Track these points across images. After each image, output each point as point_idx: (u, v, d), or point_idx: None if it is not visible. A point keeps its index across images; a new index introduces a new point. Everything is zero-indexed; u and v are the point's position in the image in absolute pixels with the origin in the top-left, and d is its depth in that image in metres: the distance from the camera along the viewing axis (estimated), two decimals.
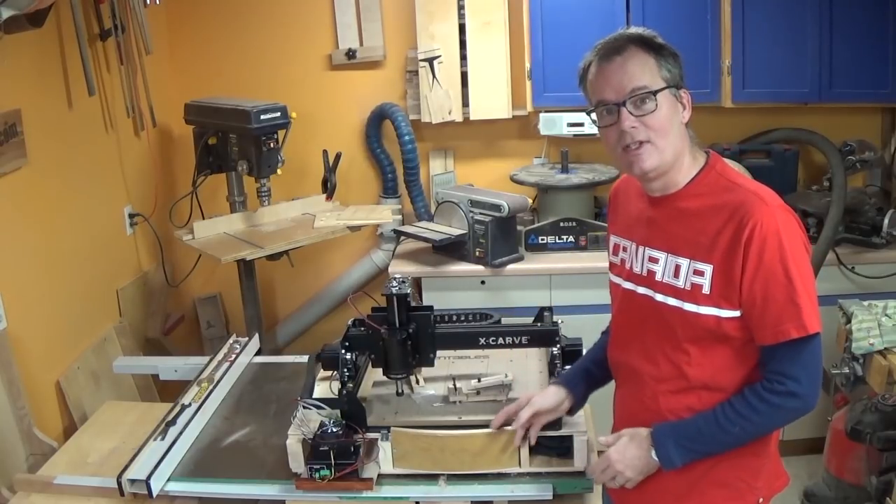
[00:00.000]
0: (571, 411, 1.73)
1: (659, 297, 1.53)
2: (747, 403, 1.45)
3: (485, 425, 1.74)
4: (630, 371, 1.62)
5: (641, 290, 1.57)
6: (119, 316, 2.90)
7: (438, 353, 1.85)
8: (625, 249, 1.64)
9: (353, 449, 1.71)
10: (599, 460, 1.59)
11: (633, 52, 1.46)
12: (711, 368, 1.49)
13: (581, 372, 1.76)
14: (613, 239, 1.69)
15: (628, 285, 1.61)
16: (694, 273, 1.48)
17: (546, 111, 3.29)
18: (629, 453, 1.53)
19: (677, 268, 1.50)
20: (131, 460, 1.85)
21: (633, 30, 1.50)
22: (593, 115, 1.51)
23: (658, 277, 1.54)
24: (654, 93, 1.44)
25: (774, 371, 1.44)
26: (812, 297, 1.42)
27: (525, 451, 1.73)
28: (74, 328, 2.59)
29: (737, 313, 1.45)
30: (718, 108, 3.15)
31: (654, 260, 1.55)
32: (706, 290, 1.46)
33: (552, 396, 1.71)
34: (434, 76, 3.31)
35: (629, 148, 1.47)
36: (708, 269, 1.46)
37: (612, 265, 1.69)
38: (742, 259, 1.41)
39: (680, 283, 1.50)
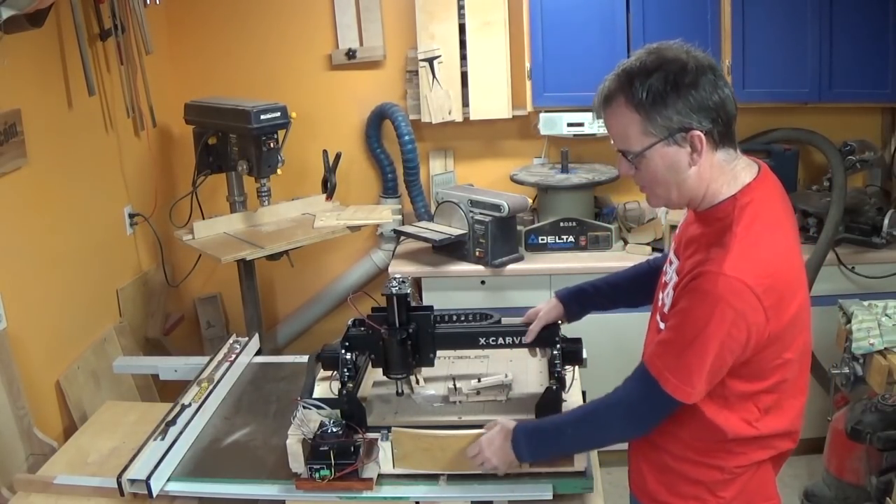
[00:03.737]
0: (569, 320, 1.87)
1: (659, 294, 1.60)
2: (584, 406, 1.59)
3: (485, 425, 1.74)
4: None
5: (663, 279, 1.63)
6: (119, 316, 2.90)
7: (438, 353, 1.85)
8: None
9: (353, 449, 1.71)
10: (473, 445, 1.67)
11: (618, 106, 1.42)
12: None
13: (578, 291, 1.88)
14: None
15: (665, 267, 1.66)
16: (670, 294, 1.51)
17: (546, 111, 3.29)
18: (496, 443, 1.63)
19: (672, 278, 1.54)
20: (131, 460, 1.85)
21: (636, 66, 1.41)
22: None
23: (665, 279, 1.58)
24: (636, 154, 1.43)
25: (630, 380, 1.51)
26: (700, 371, 1.39)
27: None
28: (74, 328, 2.59)
29: None
30: None
31: (670, 262, 1.59)
32: (666, 309, 1.50)
33: (553, 311, 1.84)
34: (434, 76, 3.30)
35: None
36: (672, 294, 1.50)
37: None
38: (681, 290, 1.44)
39: (666, 292, 1.54)
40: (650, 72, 1.39)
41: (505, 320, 1.95)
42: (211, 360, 2.36)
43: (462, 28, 3.31)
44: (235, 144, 2.93)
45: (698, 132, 1.39)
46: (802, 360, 1.52)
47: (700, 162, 1.42)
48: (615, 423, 1.54)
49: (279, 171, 2.94)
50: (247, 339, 2.50)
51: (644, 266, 1.85)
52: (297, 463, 1.73)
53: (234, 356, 2.36)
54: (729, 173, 1.45)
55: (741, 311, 1.36)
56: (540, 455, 1.64)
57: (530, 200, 3.17)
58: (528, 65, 3.23)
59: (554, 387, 1.73)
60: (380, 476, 1.75)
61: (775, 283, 1.39)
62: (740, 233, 1.40)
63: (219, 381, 2.21)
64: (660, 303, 1.58)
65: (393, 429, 1.73)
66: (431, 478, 1.75)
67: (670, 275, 1.56)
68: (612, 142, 1.48)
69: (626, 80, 1.41)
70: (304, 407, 1.76)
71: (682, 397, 1.42)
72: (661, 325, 1.52)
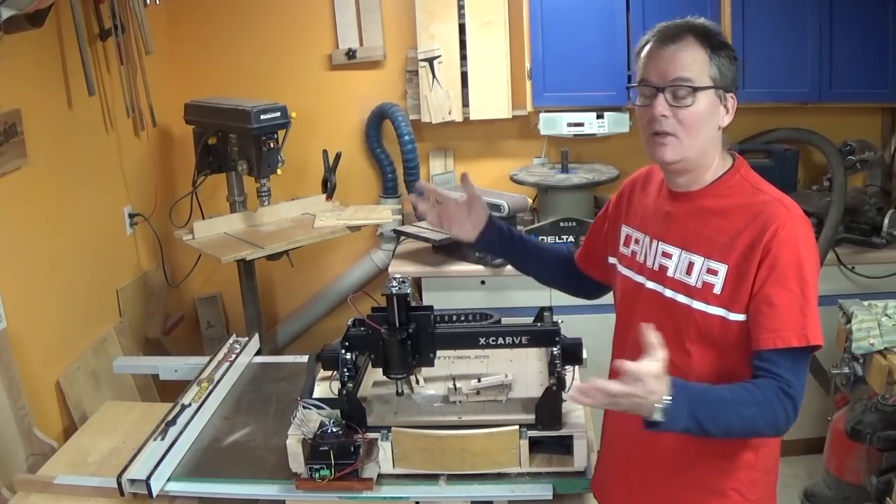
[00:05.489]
0: (474, 241, 1.80)
1: (668, 293, 1.53)
2: (764, 393, 1.38)
3: (485, 425, 1.74)
4: None
5: (650, 284, 1.57)
6: (119, 316, 2.90)
7: (438, 353, 1.85)
8: (637, 242, 1.63)
9: (353, 449, 1.71)
10: (629, 377, 1.31)
11: (689, 42, 1.48)
12: (712, 368, 1.49)
13: (506, 229, 1.83)
14: (625, 230, 1.67)
15: (638, 279, 1.61)
16: (707, 272, 1.48)
17: (546, 111, 3.29)
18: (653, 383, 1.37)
19: (690, 265, 1.50)
20: (131, 460, 1.85)
21: (700, 21, 1.51)
22: (633, 92, 1.55)
23: (670, 273, 1.53)
24: (695, 89, 1.46)
25: (779, 375, 1.40)
26: (817, 309, 1.43)
27: (525, 451, 1.73)
28: (74, 328, 2.59)
29: (742, 317, 1.44)
30: None
31: (667, 255, 1.55)
32: (717, 290, 1.46)
33: (480, 212, 1.79)
34: (434, 76, 3.31)
35: (656, 135, 1.49)
36: (722, 269, 1.46)
37: (621, 257, 1.68)
38: (758, 262, 1.42)
39: (692, 280, 1.49)
40: (714, 28, 1.50)
41: (505, 320, 1.95)
42: (211, 360, 2.36)
43: (462, 28, 3.31)
44: (235, 144, 2.93)
45: (733, 97, 1.52)
46: None
47: (724, 126, 1.51)
48: (778, 410, 1.38)
49: (279, 171, 2.94)
50: (247, 339, 2.50)
51: (564, 251, 1.91)
52: (297, 463, 1.73)
53: (234, 356, 2.36)
54: (721, 154, 1.55)
55: (815, 244, 1.47)
56: (692, 421, 1.34)
57: (530, 200, 3.17)
58: (528, 65, 3.23)
59: (554, 387, 1.73)
60: (380, 476, 1.75)
61: None
62: (768, 188, 1.50)
63: (219, 381, 2.21)
64: (668, 293, 1.52)
65: (393, 429, 1.73)
66: (431, 478, 1.76)
67: (679, 262, 1.51)
68: (665, 75, 1.47)
69: (697, 26, 1.49)
70: (304, 407, 1.76)
71: (820, 339, 1.42)
72: (702, 306, 1.47)
